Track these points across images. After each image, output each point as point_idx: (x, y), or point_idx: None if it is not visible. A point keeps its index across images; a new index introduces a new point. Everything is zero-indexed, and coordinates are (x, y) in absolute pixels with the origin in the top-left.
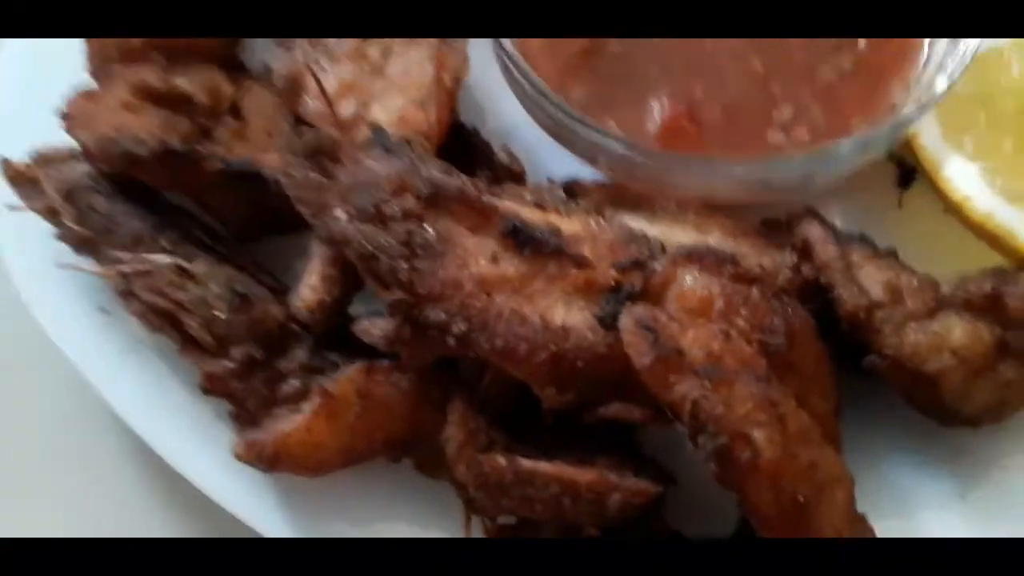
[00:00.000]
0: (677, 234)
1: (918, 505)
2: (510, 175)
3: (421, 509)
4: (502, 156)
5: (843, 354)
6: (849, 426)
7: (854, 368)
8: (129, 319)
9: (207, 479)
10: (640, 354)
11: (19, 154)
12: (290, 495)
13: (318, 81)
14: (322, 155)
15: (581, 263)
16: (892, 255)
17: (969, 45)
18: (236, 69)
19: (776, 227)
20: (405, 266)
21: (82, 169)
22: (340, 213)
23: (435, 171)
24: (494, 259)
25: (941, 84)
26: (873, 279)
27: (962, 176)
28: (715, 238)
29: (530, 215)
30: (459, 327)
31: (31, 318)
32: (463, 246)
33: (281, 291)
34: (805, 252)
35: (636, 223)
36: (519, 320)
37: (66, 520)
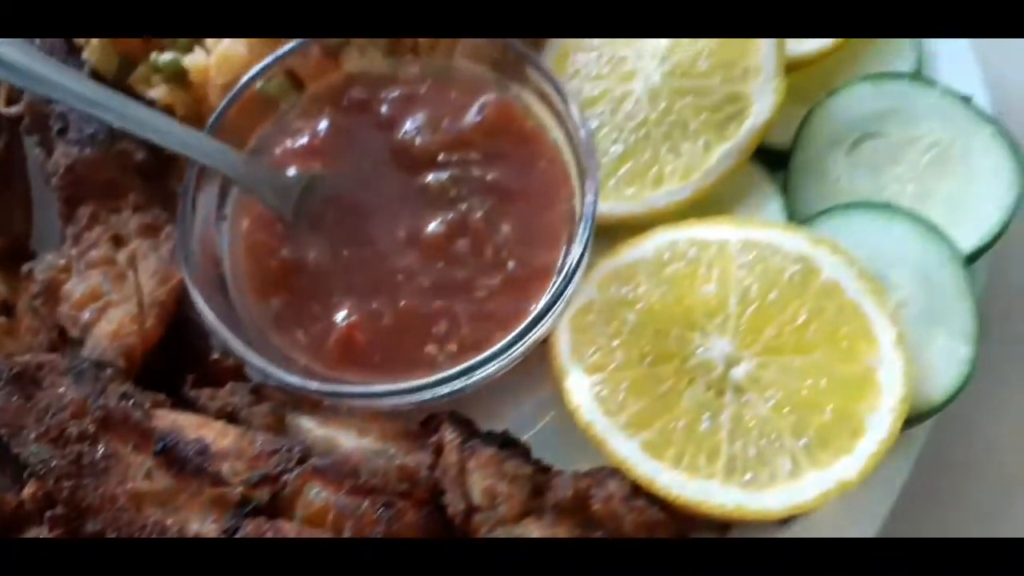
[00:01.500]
0: (341, 435)
1: None
2: (229, 374)
3: None
4: (216, 355)
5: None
6: None
7: None
8: None
9: None
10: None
11: None
12: None
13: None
14: (23, 382)
15: (216, 481)
16: (522, 453)
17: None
18: (22, 262)
19: (424, 426)
20: (68, 485)
21: None
22: (32, 436)
23: (112, 397)
24: (148, 475)
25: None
26: (478, 483)
27: (578, 388)
28: (371, 439)
29: (190, 432)
30: (111, 535)
31: None
32: (125, 463)
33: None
34: (438, 453)
35: (310, 423)
36: (159, 531)
37: None
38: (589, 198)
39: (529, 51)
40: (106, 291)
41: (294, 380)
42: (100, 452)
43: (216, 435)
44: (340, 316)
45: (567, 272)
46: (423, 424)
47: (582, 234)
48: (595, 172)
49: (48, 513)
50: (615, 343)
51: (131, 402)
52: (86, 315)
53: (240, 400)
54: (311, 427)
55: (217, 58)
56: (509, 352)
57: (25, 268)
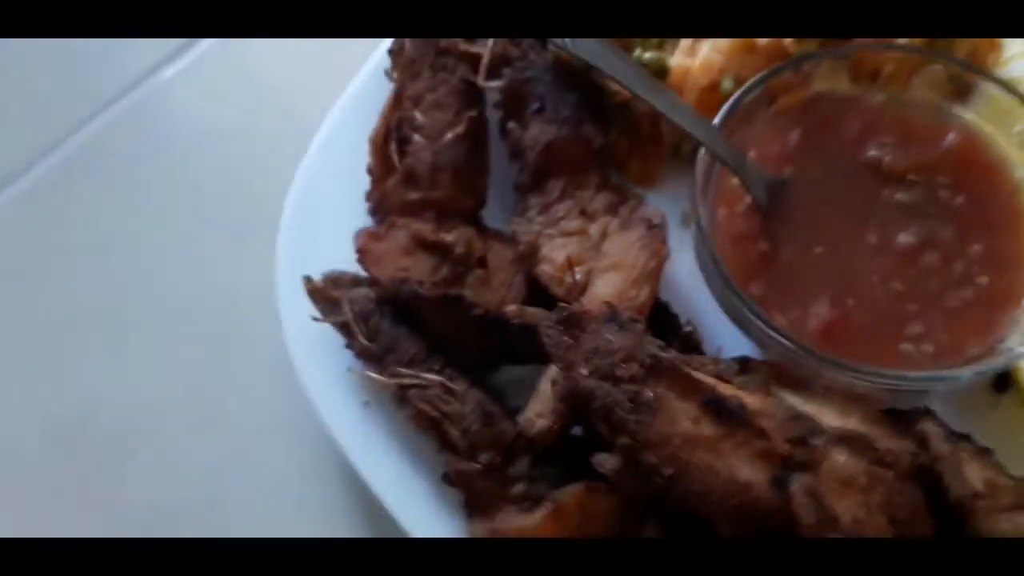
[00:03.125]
0: (824, 414)
1: None
2: (690, 345)
3: None
4: (687, 328)
5: (945, 530)
6: None
7: None
8: (388, 411)
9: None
10: (806, 515)
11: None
12: None
13: (556, 254)
14: (572, 324)
15: (762, 434)
16: (990, 453)
17: None
18: (482, 230)
19: (898, 417)
20: (632, 418)
21: (365, 294)
22: (583, 371)
23: (654, 348)
24: (696, 421)
25: None
26: (975, 475)
27: None
28: (854, 421)
29: (723, 389)
30: (667, 471)
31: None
32: (673, 408)
33: (510, 412)
34: (923, 443)
35: (793, 400)
36: (713, 473)
37: None
38: None
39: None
40: (587, 258)
41: (795, 345)
42: (651, 395)
43: (744, 394)
44: (817, 307)
45: None
46: (890, 414)
47: None
48: None
49: (618, 441)
50: None
51: (669, 355)
52: (576, 277)
53: (727, 370)
54: (796, 403)
55: (702, 61)
56: (991, 366)
57: (509, 226)
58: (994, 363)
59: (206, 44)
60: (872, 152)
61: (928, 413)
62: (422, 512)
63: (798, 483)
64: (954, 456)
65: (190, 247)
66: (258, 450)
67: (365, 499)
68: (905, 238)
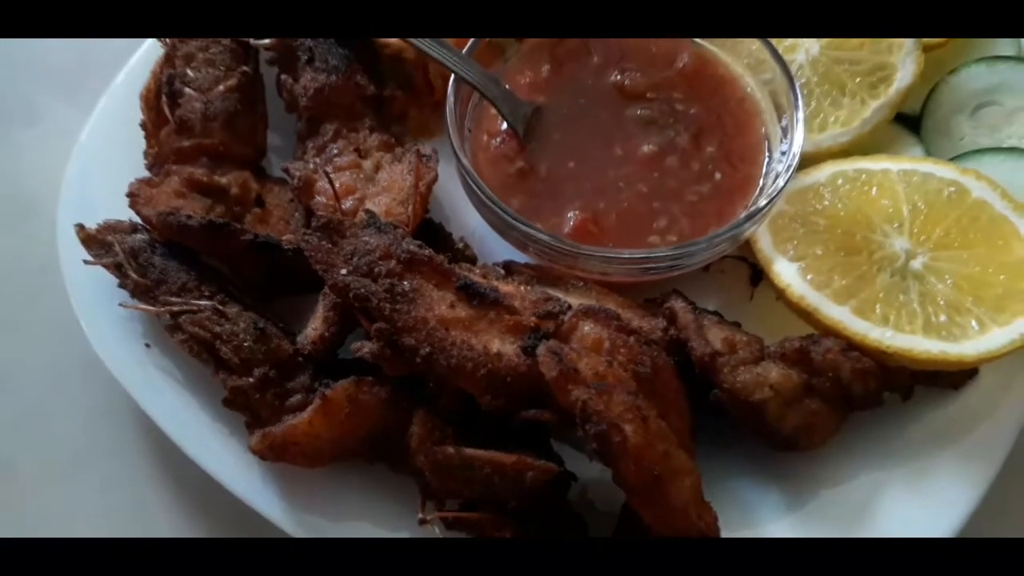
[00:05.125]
0: (583, 303)
1: (756, 513)
2: (464, 258)
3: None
4: (459, 244)
5: (698, 395)
6: (706, 453)
7: (709, 410)
8: (170, 350)
9: (225, 473)
10: (549, 370)
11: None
12: (288, 487)
13: (331, 182)
14: (331, 230)
15: (512, 311)
16: (735, 324)
17: (782, 183)
18: (260, 173)
19: (653, 303)
20: (388, 306)
21: (141, 237)
22: (343, 270)
23: (411, 245)
24: (451, 306)
25: (764, 205)
26: (716, 336)
27: (784, 271)
28: (609, 305)
29: (477, 278)
30: (425, 350)
31: (89, 349)
32: (429, 296)
33: (289, 334)
34: (671, 318)
35: (556, 293)
36: (467, 347)
37: (94, 517)
38: (800, 116)
39: None
40: (359, 188)
41: (552, 238)
42: (408, 286)
43: (500, 283)
44: (572, 213)
45: (775, 182)
46: (648, 302)
47: (792, 150)
48: (800, 101)
49: (374, 326)
50: (811, 239)
51: (426, 252)
52: (347, 204)
53: (493, 273)
54: (558, 296)
55: None
56: (722, 237)
57: (283, 167)
58: (722, 235)
59: None
60: (615, 77)
61: (676, 292)
62: (206, 439)
63: (543, 347)
64: (697, 323)
65: None
66: (49, 405)
67: (154, 436)
68: (647, 147)
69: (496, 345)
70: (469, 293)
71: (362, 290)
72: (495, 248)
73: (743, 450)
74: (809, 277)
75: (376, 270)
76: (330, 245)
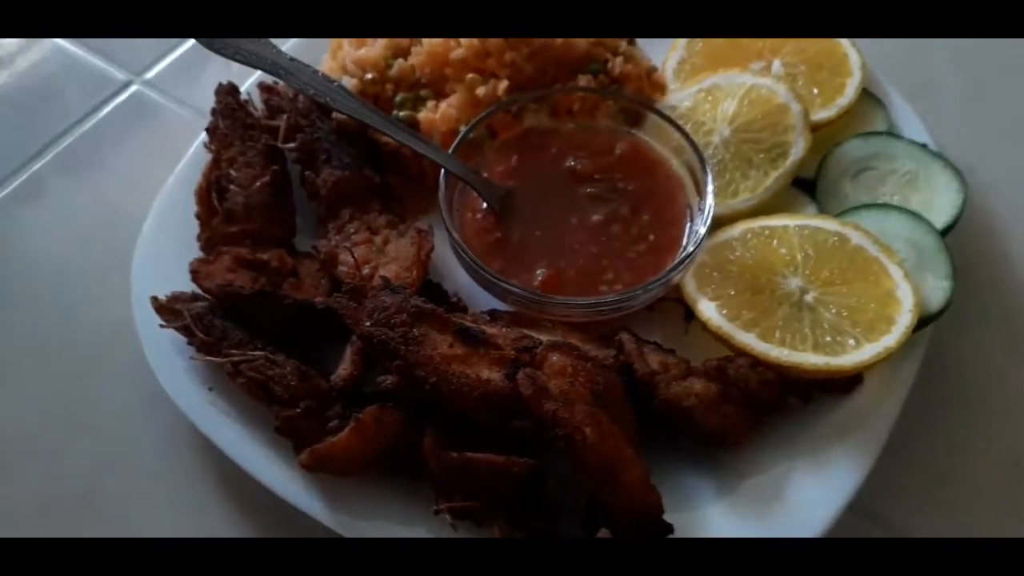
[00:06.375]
0: (551, 339)
1: (696, 500)
2: (458, 308)
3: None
4: (453, 298)
5: (642, 406)
6: (652, 449)
7: (653, 417)
8: (225, 393)
9: (279, 485)
10: (526, 389)
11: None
12: (329, 492)
13: (352, 255)
14: (356, 293)
15: (497, 348)
16: (670, 350)
17: (702, 236)
18: (292, 250)
19: (607, 336)
20: (402, 348)
21: (202, 304)
22: (367, 323)
23: (417, 301)
24: (451, 345)
25: (689, 255)
26: (654, 360)
27: (706, 308)
28: (572, 340)
29: (469, 324)
30: (432, 380)
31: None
32: (433, 339)
33: (324, 374)
34: (620, 348)
35: (529, 333)
36: (464, 376)
37: (163, 525)
38: (710, 188)
39: (650, 103)
40: (373, 258)
41: (526, 291)
42: (417, 332)
43: (486, 327)
44: (540, 271)
45: (696, 239)
46: (601, 336)
47: (706, 213)
48: (711, 176)
49: (393, 364)
50: (726, 282)
51: (429, 306)
52: (365, 271)
53: (480, 318)
54: (532, 335)
55: (440, 115)
56: (656, 284)
57: (311, 244)
58: (655, 284)
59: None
60: (569, 163)
61: (624, 328)
62: (262, 461)
63: (522, 372)
64: (639, 351)
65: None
66: (126, 445)
67: (216, 463)
68: (596, 217)
69: (486, 373)
70: (463, 335)
71: (382, 337)
72: (481, 300)
73: (682, 447)
74: (724, 312)
75: (392, 321)
76: (356, 304)
